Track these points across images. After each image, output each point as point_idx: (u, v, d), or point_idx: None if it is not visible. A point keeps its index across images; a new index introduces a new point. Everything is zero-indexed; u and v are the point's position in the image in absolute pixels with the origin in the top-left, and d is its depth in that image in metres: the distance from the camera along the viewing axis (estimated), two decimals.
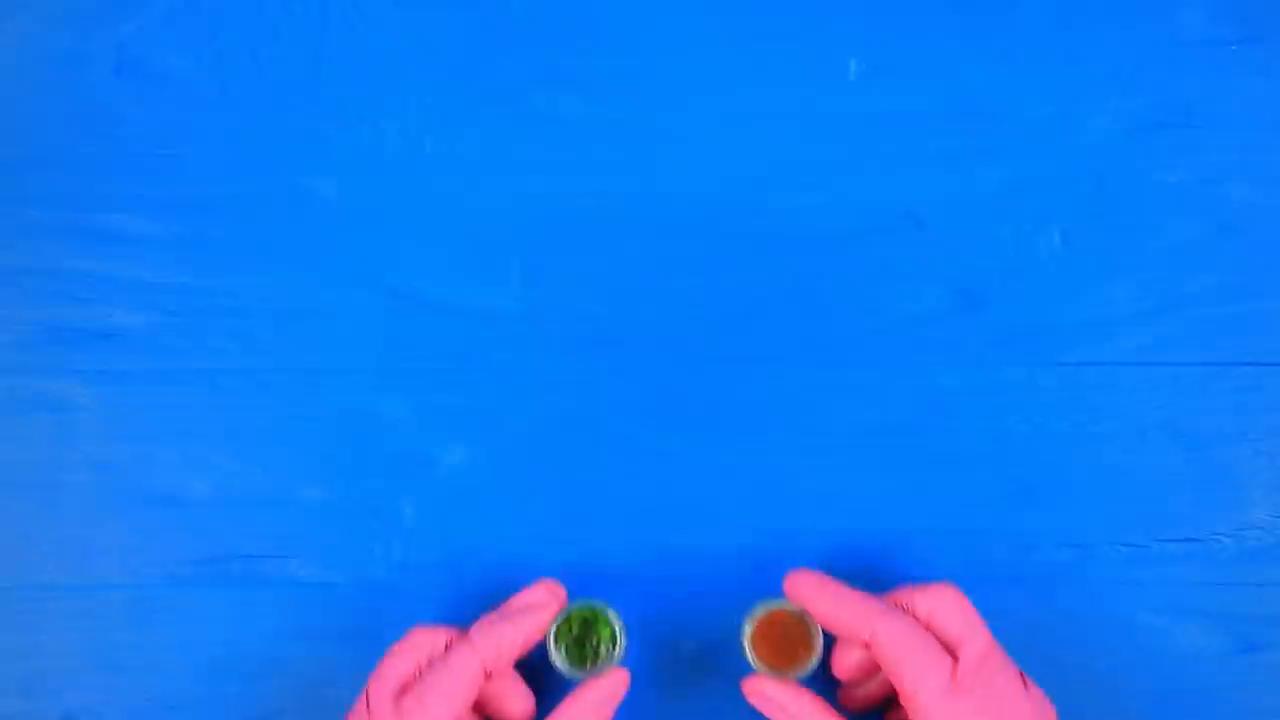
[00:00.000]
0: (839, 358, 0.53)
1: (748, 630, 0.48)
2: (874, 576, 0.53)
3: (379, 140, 0.54)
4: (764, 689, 0.48)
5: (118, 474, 0.53)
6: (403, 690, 0.45)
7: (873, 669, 0.48)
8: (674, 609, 0.53)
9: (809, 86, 0.54)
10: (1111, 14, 0.54)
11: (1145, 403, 0.53)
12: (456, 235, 0.53)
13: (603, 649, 0.48)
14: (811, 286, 0.53)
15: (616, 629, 0.48)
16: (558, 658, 0.48)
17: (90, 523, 0.53)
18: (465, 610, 0.52)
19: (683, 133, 0.54)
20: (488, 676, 0.46)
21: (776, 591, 0.47)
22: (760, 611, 0.48)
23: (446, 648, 0.46)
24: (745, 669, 0.47)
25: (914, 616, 0.46)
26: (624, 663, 0.49)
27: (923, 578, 0.52)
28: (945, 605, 0.46)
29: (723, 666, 0.52)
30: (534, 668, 0.50)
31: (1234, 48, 0.54)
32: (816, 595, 0.47)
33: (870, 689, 0.50)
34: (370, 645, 0.52)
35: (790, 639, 0.48)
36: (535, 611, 0.47)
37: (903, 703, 0.45)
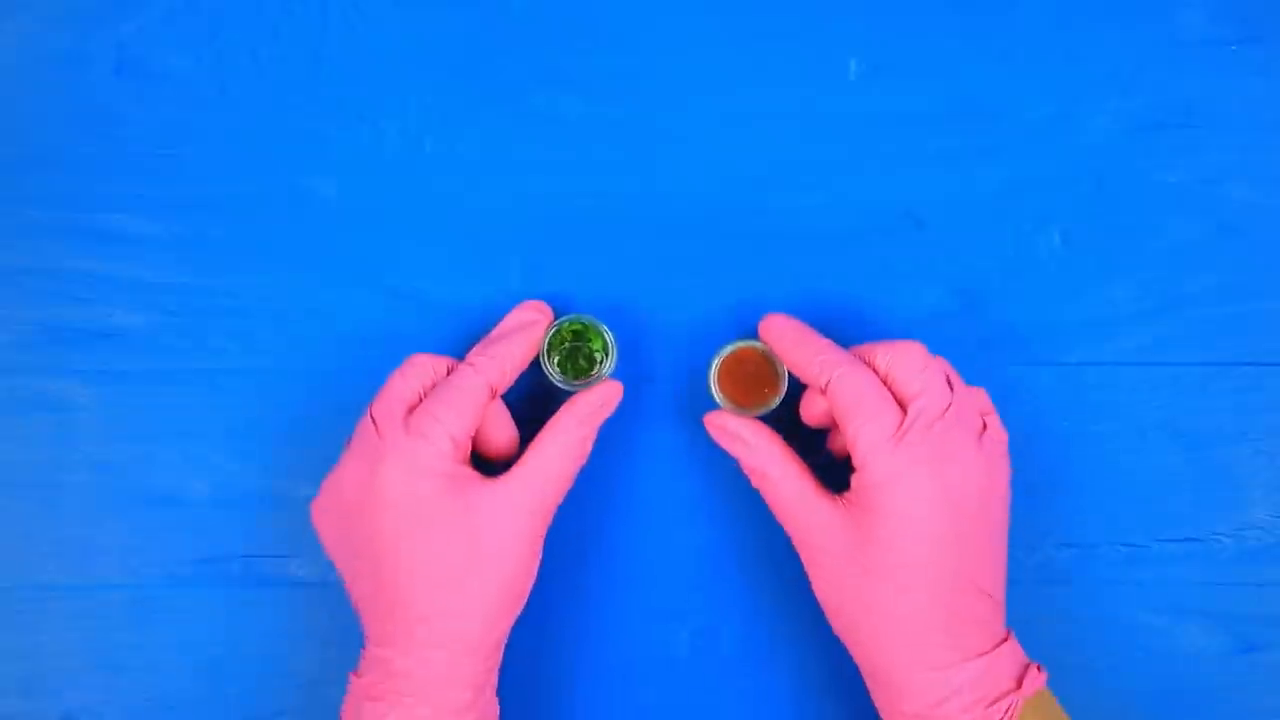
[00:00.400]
0: None
1: (715, 366, 0.49)
2: None
3: (379, 140, 0.54)
4: (723, 422, 0.49)
5: (118, 474, 0.53)
6: (408, 411, 0.45)
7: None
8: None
9: (809, 86, 0.54)
10: (1111, 14, 0.54)
11: (1145, 403, 0.53)
12: (456, 235, 0.53)
13: (596, 358, 0.49)
14: (811, 286, 0.53)
15: (608, 340, 0.49)
16: (551, 370, 0.49)
17: (90, 523, 0.53)
18: None
19: (683, 133, 0.54)
20: (492, 395, 0.47)
21: None
22: (729, 349, 0.49)
23: (449, 372, 0.47)
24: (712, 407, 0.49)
25: (873, 370, 0.46)
26: (621, 368, 0.51)
27: None
28: (904, 359, 0.46)
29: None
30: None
31: (1234, 48, 0.54)
32: (783, 338, 0.48)
33: (839, 440, 0.50)
34: None
35: (756, 377, 0.49)
36: (528, 328, 0.49)
37: (850, 454, 0.45)
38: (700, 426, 0.53)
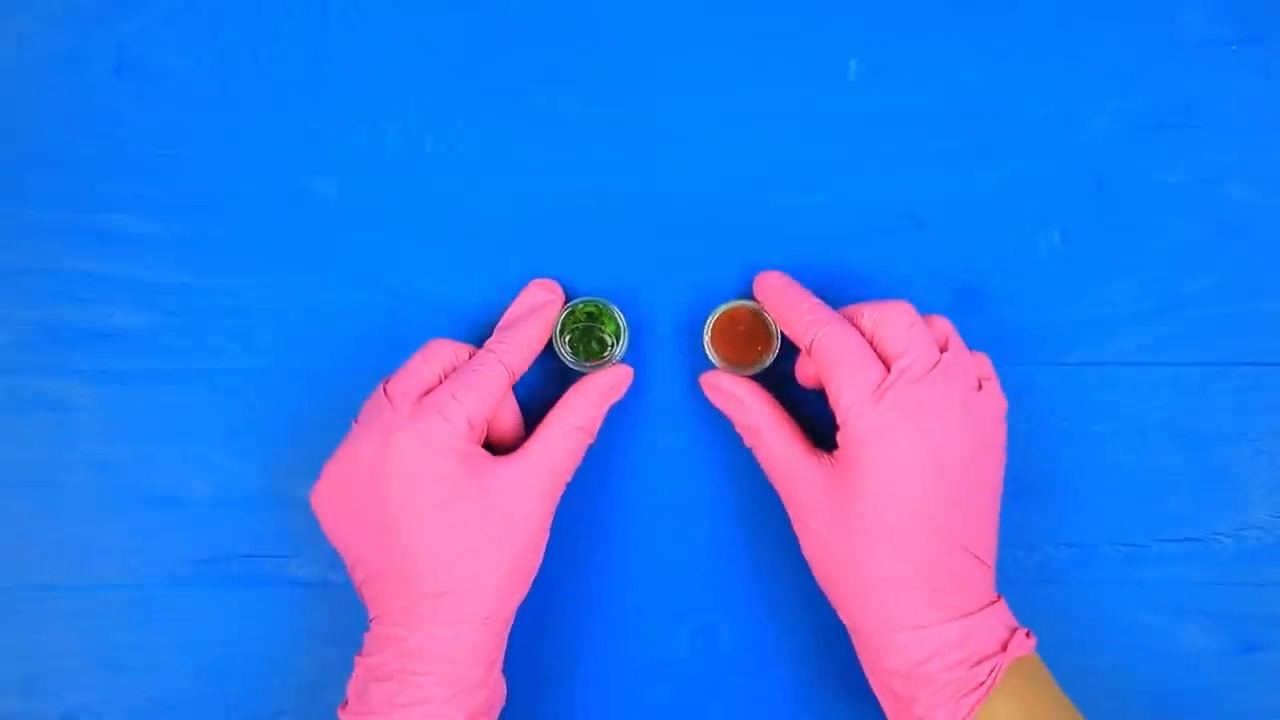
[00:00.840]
0: None
1: (709, 326, 0.49)
2: None
3: (379, 140, 0.54)
4: (717, 381, 0.50)
5: (118, 474, 0.53)
6: (424, 392, 0.46)
7: None
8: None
9: (809, 86, 0.54)
10: (1111, 14, 0.54)
11: (1145, 403, 0.53)
12: (456, 235, 0.53)
13: (608, 341, 0.49)
14: (811, 286, 0.53)
15: (620, 324, 0.49)
16: (563, 350, 0.49)
17: (90, 523, 0.53)
18: None
19: (683, 133, 0.54)
20: (512, 381, 0.47)
21: None
22: (722, 309, 0.50)
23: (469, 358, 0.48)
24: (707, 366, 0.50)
25: (859, 329, 0.46)
26: (627, 358, 0.51)
27: None
28: (890, 318, 0.46)
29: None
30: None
31: (1234, 48, 0.54)
32: (774, 296, 0.49)
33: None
34: None
35: (749, 336, 0.50)
36: (542, 309, 0.49)
37: (834, 412, 0.45)
38: (700, 427, 0.53)
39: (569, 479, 0.48)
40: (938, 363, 0.45)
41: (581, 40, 0.54)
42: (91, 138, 0.53)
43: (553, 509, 0.47)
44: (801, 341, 0.47)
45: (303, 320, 0.53)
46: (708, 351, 0.50)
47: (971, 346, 0.52)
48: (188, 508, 0.53)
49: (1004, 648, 0.44)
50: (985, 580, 0.45)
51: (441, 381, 0.47)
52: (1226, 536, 0.53)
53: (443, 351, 0.47)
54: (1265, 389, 0.53)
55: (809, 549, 0.47)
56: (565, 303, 0.50)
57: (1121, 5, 0.54)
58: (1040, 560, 0.53)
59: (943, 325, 0.47)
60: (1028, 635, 0.45)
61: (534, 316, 0.49)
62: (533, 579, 0.47)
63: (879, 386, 0.44)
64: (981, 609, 0.44)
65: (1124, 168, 0.54)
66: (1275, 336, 0.53)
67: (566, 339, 0.50)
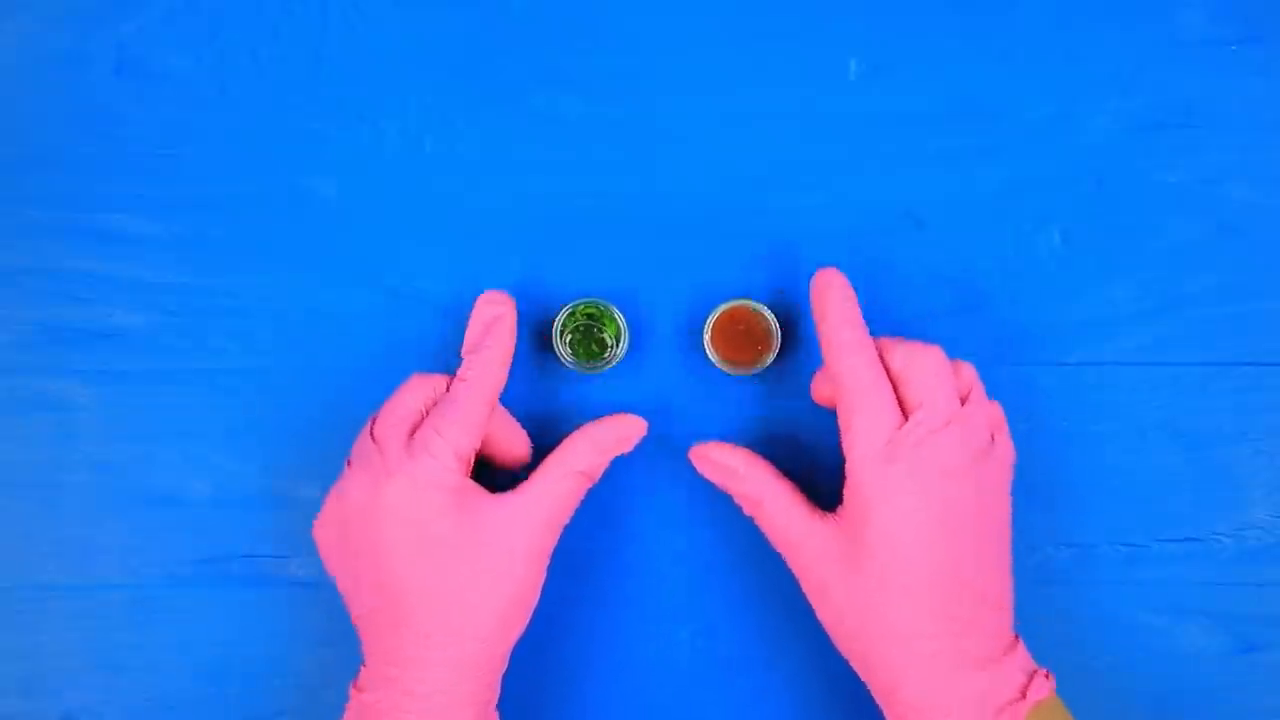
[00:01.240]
0: None
1: (709, 325, 0.49)
2: None
3: (379, 140, 0.54)
4: (707, 453, 0.49)
5: (118, 474, 0.53)
6: (411, 430, 0.45)
7: None
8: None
9: (809, 86, 0.54)
10: (1111, 14, 0.54)
11: (1145, 403, 0.53)
12: (456, 235, 0.53)
13: (608, 341, 0.49)
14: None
15: (621, 324, 0.49)
16: (562, 351, 0.49)
17: (90, 523, 0.53)
18: None
19: (683, 133, 0.54)
20: (491, 403, 0.47)
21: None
22: (722, 308, 0.49)
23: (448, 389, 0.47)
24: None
25: (888, 368, 0.45)
26: (627, 358, 0.51)
27: None
28: (918, 363, 0.45)
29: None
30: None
31: (1234, 48, 0.54)
32: (825, 300, 0.46)
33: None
34: None
35: (749, 335, 0.50)
36: (499, 321, 0.48)
37: (845, 453, 0.44)
38: (700, 427, 0.53)
39: (567, 520, 0.47)
40: (954, 418, 0.44)
41: (581, 40, 0.54)
42: (91, 138, 0.53)
43: (549, 549, 0.46)
44: (827, 359, 0.46)
45: (303, 320, 0.53)
46: (708, 351, 0.50)
47: (972, 346, 0.52)
48: (188, 508, 0.53)
49: (1024, 694, 0.44)
50: (1003, 624, 0.45)
51: (426, 415, 0.46)
52: (1226, 536, 0.53)
53: (423, 385, 0.47)
54: (1265, 389, 0.53)
55: (822, 611, 0.46)
56: (565, 303, 0.50)
57: (1121, 5, 0.54)
58: (1040, 560, 0.53)
59: (968, 374, 0.46)
60: (1046, 676, 0.44)
61: (493, 333, 0.48)
62: (528, 619, 0.47)
63: (892, 439, 0.43)
64: (1002, 655, 0.44)
65: (1124, 168, 0.54)
66: (1275, 336, 0.53)
67: (567, 339, 0.50)
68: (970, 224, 0.54)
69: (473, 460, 0.46)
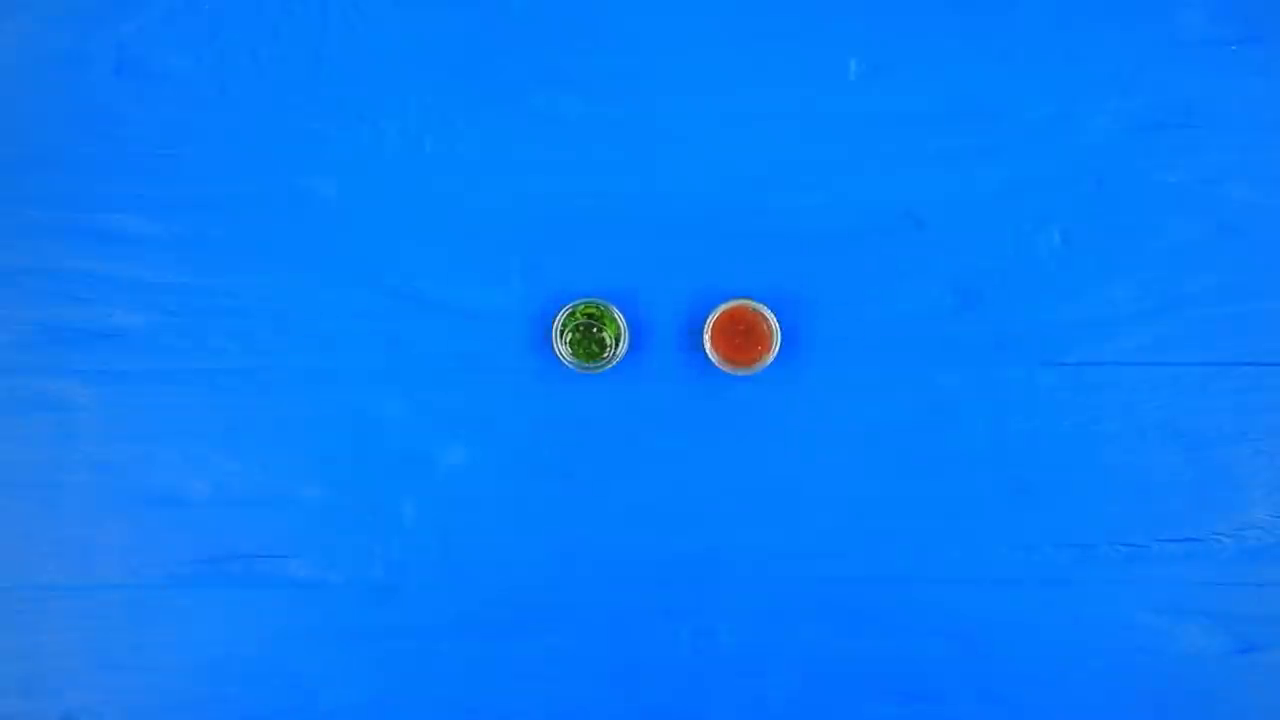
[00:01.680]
0: (839, 357, 0.53)
1: (709, 325, 0.49)
2: (874, 575, 0.53)
3: (379, 140, 0.54)
4: None
5: (118, 474, 0.53)
6: None
7: None
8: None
9: (809, 86, 0.54)
10: (1111, 14, 0.54)
11: (1145, 403, 0.53)
12: (456, 235, 0.53)
13: (608, 341, 0.49)
14: (811, 286, 0.53)
15: (621, 324, 0.49)
16: (562, 351, 0.49)
17: (90, 523, 0.53)
18: (463, 610, 0.52)
19: (683, 133, 0.54)
20: None
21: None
22: (722, 308, 0.49)
23: None
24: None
25: None
26: (627, 358, 0.51)
27: (922, 577, 0.52)
28: None
29: None
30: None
31: (1234, 48, 0.54)
32: None
33: None
34: (370, 646, 0.52)
35: (750, 336, 0.50)
36: None
37: None
38: (700, 427, 0.53)
39: None
40: None
41: (581, 40, 0.54)
42: (91, 138, 0.53)
43: None
44: None
45: (303, 320, 0.53)
46: (708, 351, 0.50)
47: (971, 346, 0.52)
48: (188, 508, 0.53)
49: None
50: None
51: None
52: (1226, 536, 0.53)
53: None
54: (1265, 389, 0.53)
55: None
56: (565, 303, 0.50)
57: (1121, 5, 0.54)
58: (1040, 560, 0.53)
59: None
60: None
61: None
62: None
63: None
64: None
65: (1124, 168, 0.54)
66: (1275, 336, 0.53)
67: (566, 339, 0.50)
68: (970, 224, 0.53)
69: None
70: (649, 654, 0.53)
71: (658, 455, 0.53)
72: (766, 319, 0.50)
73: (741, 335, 0.50)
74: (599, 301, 0.50)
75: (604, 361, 0.50)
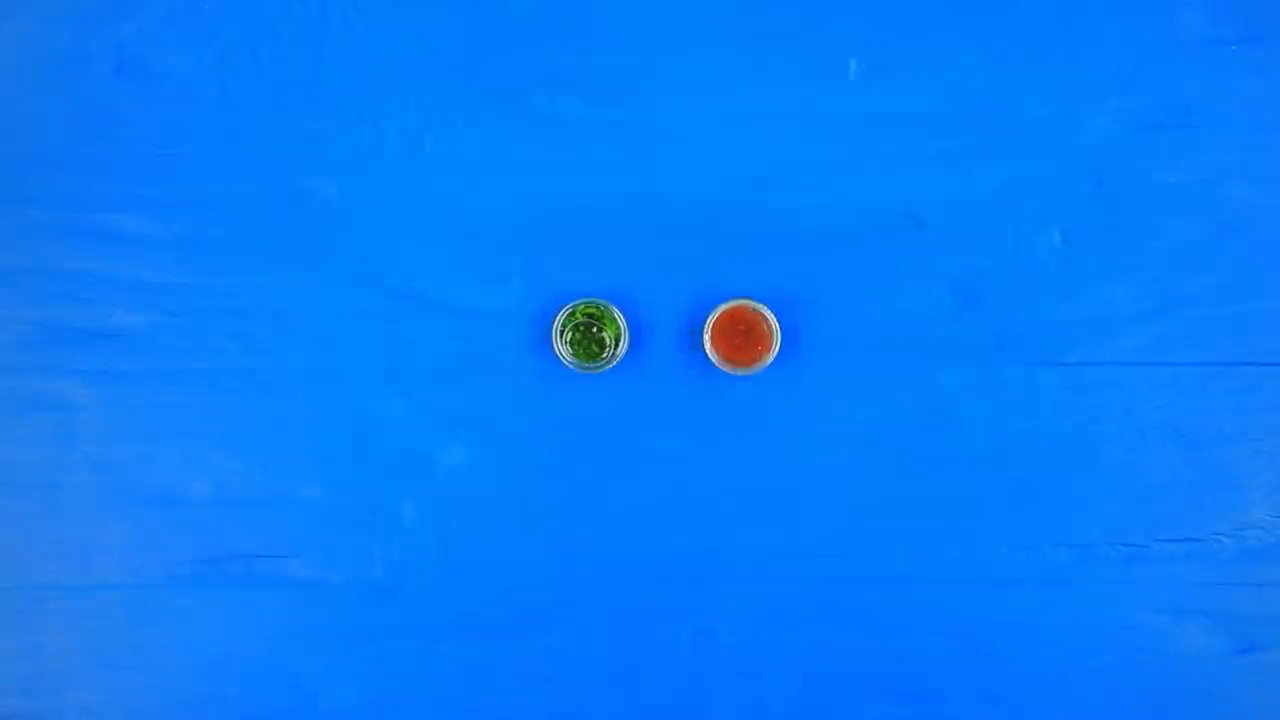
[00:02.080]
0: (839, 357, 0.53)
1: (709, 325, 0.49)
2: (874, 575, 0.53)
3: (379, 140, 0.54)
4: None
5: (118, 474, 0.53)
6: None
7: None
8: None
9: (809, 86, 0.54)
10: (1111, 14, 0.54)
11: (1145, 403, 0.53)
12: (456, 235, 0.53)
13: (608, 341, 0.49)
14: (811, 286, 0.53)
15: (621, 324, 0.49)
16: (562, 350, 0.49)
17: (90, 523, 0.53)
18: (463, 610, 0.52)
19: (683, 133, 0.54)
20: None
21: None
22: (723, 308, 0.50)
23: None
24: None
25: None
26: (627, 358, 0.51)
27: (922, 577, 0.52)
28: None
29: None
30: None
31: (1234, 48, 0.54)
32: None
33: None
34: (370, 646, 0.52)
35: (750, 336, 0.50)
36: None
37: None
38: (700, 427, 0.53)
39: None
40: None
41: (581, 40, 0.54)
42: (91, 138, 0.53)
43: None
44: None
45: (303, 320, 0.53)
46: (708, 351, 0.50)
47: (971, 346, 0.52)
48: (188, 508, 0.53)
49: None
50: None
51: None
52: (1226, 536, 0.53)
53: None
54: (1265, 389, 0.53)
55: None
56: (565, 303, 0.50)
57: (1121, 5, 0.54)
58: (1040, 560, 0.53)
59: None
60: None
61: None
62: None
63: None
64: None
65: (1124, 168, 0.54)
66: (1275, 336, 0.53)
67: (566, 339, 0.50)
68: (970, 224, 0.53)
69: None
70: (649, 654, 0.53)
71: (658, 455, 0.53)
72: (766, 319, 0.50)
73: (741, 335, 0.50)
74: (599, 301, 0.50)
75: (604, 361, 0.50)
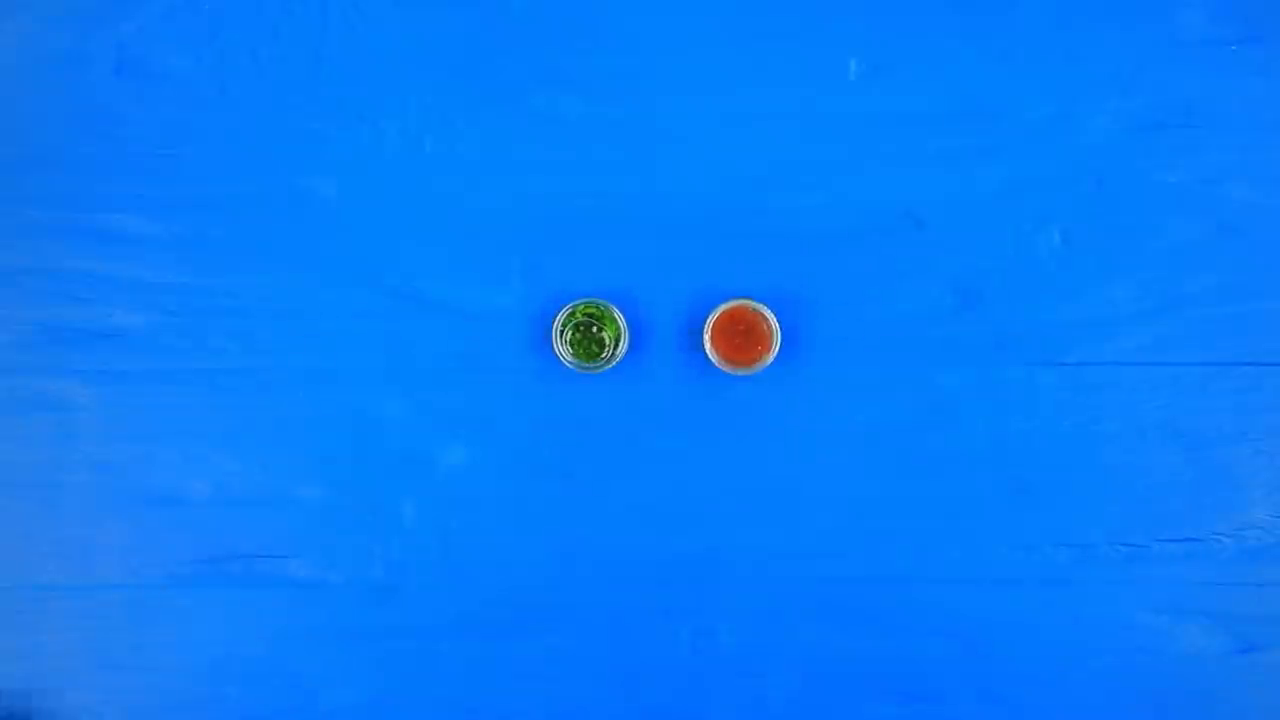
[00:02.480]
0: (839, 357, 0.53)
1: (709, 325, 0.49)
2: (874, 575, 0.53)
3: (379, 140, 0.54)
4: None
5: (118, 474, 0.53)
6: None
7: None
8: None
9: (809, 86, 0.54)
10: (1111, 14, 0.54)
11: (1145, 403, 0.53)
12: (456, 235, 0.53)
13: (607, 341, 0.49)
14: (811, 286, 0.53)
15: (621, 324, 0.49)
16: (562, 350, 0.49)
17: (90, 523, 0.53)
18: (463, 610, 0.52)
19: (683, 133, 0.54)
20: None
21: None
22: (723, 308, 0.50)
23: None
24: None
25: None
26: (626, 358, 0.51)
27: (922, 577, 0.52)
28: None
29: None
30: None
31: (1234, 48, 0.54)
32: None
33: None
34: (370, 646, 0.52)
35: (750, 336, 0.50)
36: None
37: None
38: (700, 427, 0.53)
39: None
40: None
41: (581, 40, 0.54)
42: (91, 138, 0.53)
43: None
44: None
45: (303, 320, 0.53)
46: (708, 351, 0.50)
47: (971, 347, 0.52)
48: (188, 508, 0.53)
49: None
50: None
51: None
52: (1226, 536, 0.53)
53: None
54: (1265, 389, 0.53)
55: None
56: (565, 303, 0.50)
57: (1121, 5, 0.54)
58: (1040, 560, 0.53)
59: None
60: None
61: None
62: None
63: None
64: None
65: (1124, 168, 0.54)
66: (1275, 336, 0.53)
67: (566, 339, 0.50)
68: (970, 224, 0.53)
69: None
70: (649, 654, 0.53)
71: (658, 455, 0.53)
72: (766, 319, 0.50)
73: (741, 335, 0.50)
74: (599, 301, 0.50)
75: (604, 361, 0.50)
